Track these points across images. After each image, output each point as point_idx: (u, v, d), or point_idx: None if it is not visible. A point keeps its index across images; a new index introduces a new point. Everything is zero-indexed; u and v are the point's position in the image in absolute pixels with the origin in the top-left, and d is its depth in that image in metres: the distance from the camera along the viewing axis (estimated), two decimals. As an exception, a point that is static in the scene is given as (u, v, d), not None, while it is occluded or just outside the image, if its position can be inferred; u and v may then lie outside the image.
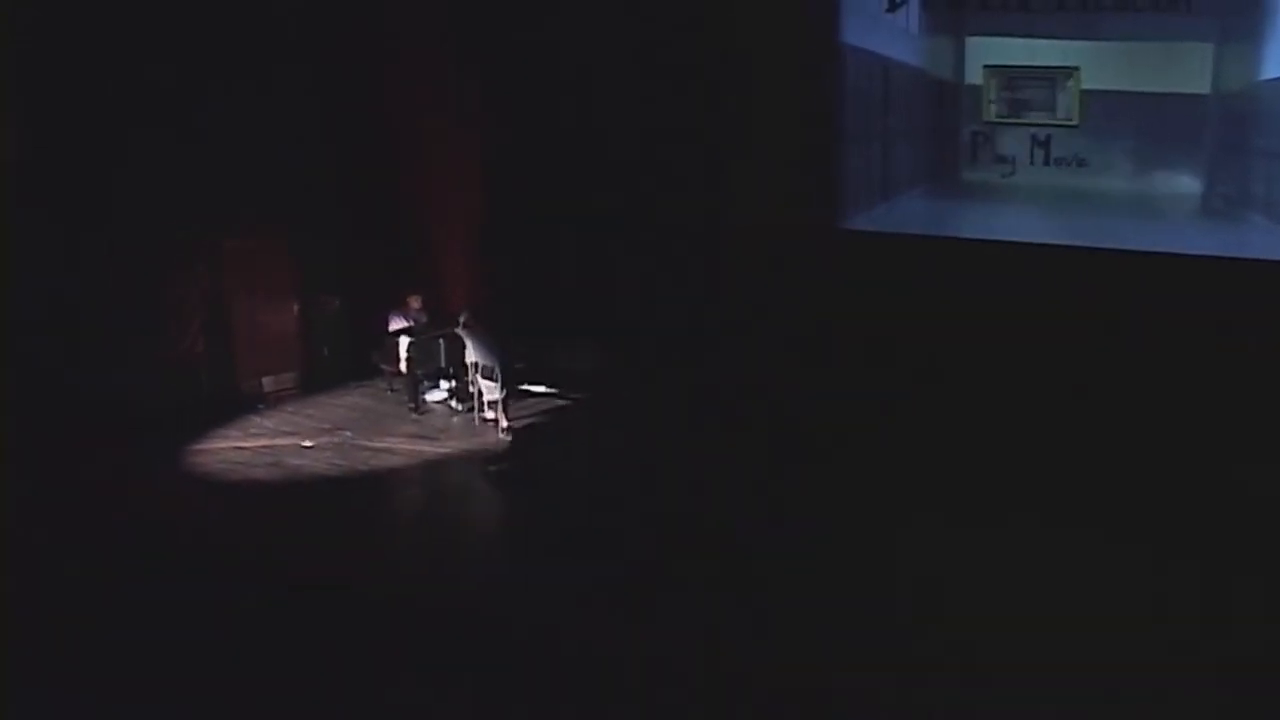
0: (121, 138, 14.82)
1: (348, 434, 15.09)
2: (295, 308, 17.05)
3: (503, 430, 14.99)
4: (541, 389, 16.08)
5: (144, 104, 14.92)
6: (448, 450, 14.55)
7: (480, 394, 15.36)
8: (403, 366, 15.93)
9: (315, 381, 17.08)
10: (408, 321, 16.18)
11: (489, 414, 15.27)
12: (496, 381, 14.97)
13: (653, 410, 15.25)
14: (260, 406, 16.24)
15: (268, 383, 16.61)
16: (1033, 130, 14.28)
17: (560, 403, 16.01)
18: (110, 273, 14.96)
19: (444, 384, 16.25)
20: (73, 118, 14.57)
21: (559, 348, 16.26)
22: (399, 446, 14.63)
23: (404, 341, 15.86)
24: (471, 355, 15.35)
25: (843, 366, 14.61)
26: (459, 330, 15.47)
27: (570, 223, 16.56)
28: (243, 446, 14.68)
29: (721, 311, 15.73)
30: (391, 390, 16.53)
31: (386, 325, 16.22)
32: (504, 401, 15.06)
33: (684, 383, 15.46)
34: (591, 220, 16.39)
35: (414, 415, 15.81)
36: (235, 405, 16.06)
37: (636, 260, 16.19)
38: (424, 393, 16.17)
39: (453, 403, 16.09)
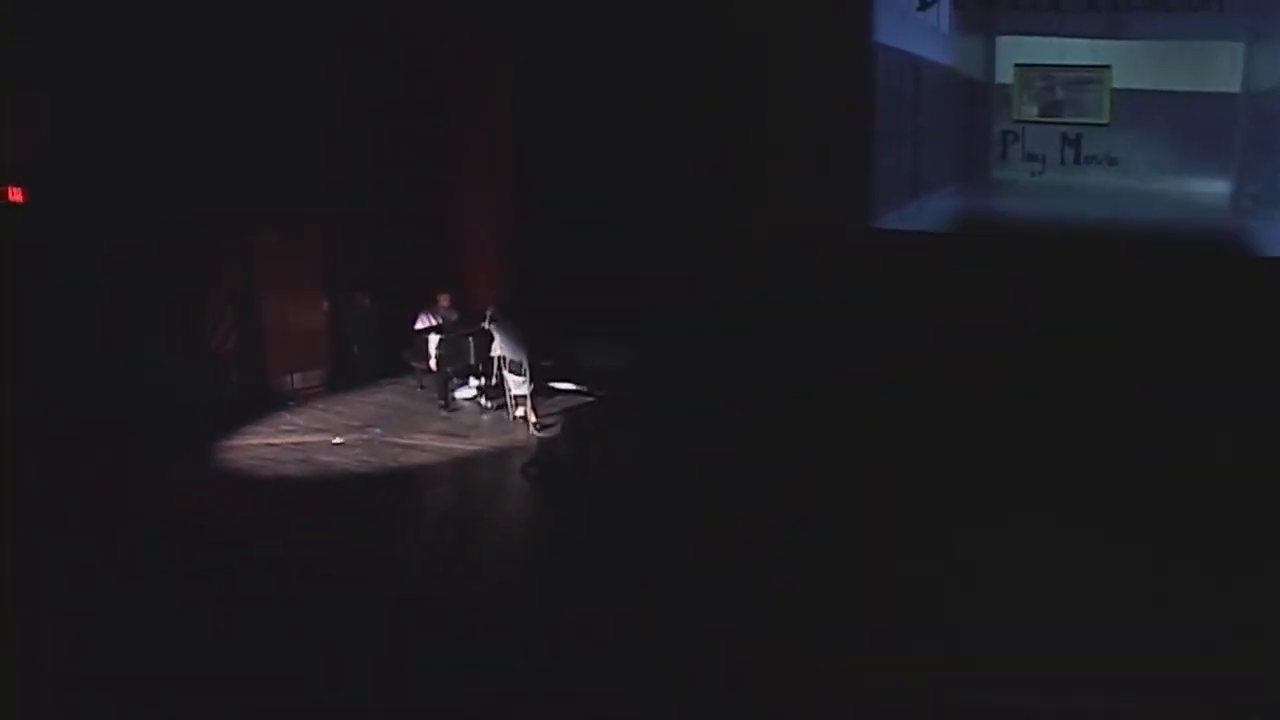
0: (154, 136, 14.84)
1: (378, 431, 15.08)
2: (325, 305, 17.14)
3: (534, 426, 14.96)
4: (570, 386, 16.01)
5: (177, 101, 14.97)
6: (477, 447, 14.54)
7: (508, 389, 15.38)
8: (433, 364, 15.93)
9: (345, 378, 17.16)
10: (436, 319, 16.21)
11: (519, 411, 15.26)
12: (524, 376, 14.96)
13: (679, 410, 15.21)
14: (291, 403, 16.29)
15: (297, 380, 16.70)
16: (1063, 129, 14.29)
17: (588, 401, 15.93)
18: (141, 271, 14.99)
19: (473, 381, 16.25)
20: (103, 115, 14.55)
21: (587, 346, 16.15)
22: (428, 443, 14.63)
23: (434, 339, 15.87)
24: (498, 350, 15.36)
25: (871, 365, 14.59)
26: (485, 325, 15.49)
27: (600, 222, 16.59)
28: (273, 443, 14.70)
29: (751, 311, 15.69)
30: (421, 387, 16.60)
31: (414, 323, 16.27)
32: (533, 398, 15.06)
33: (710, 382, 15.45)
34: (621, 220, 16.46)
35: (443, 412, 15.82)
36: (266, 402, 16.14)
37: (666, 259, 16.28)
38: (454, 390, 16.18)
39: (482, 400, 16.10)
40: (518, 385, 15.14)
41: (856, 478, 12.79)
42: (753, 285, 15.69)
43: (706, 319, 15.93)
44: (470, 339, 15.79)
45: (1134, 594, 9.79)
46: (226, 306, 15.82)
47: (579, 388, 15.96)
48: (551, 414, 15.34)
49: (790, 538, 11.37)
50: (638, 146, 16.22)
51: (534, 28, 16.78)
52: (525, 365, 14.92)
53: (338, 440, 14.77)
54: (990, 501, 11.97)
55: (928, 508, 11.90)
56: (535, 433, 14.89)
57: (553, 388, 15.95)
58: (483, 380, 16.10)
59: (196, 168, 15.12)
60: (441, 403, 15.97)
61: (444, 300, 16.42)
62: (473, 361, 15.92)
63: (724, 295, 15.80)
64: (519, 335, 15.12)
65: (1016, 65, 14.41)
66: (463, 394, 16.35)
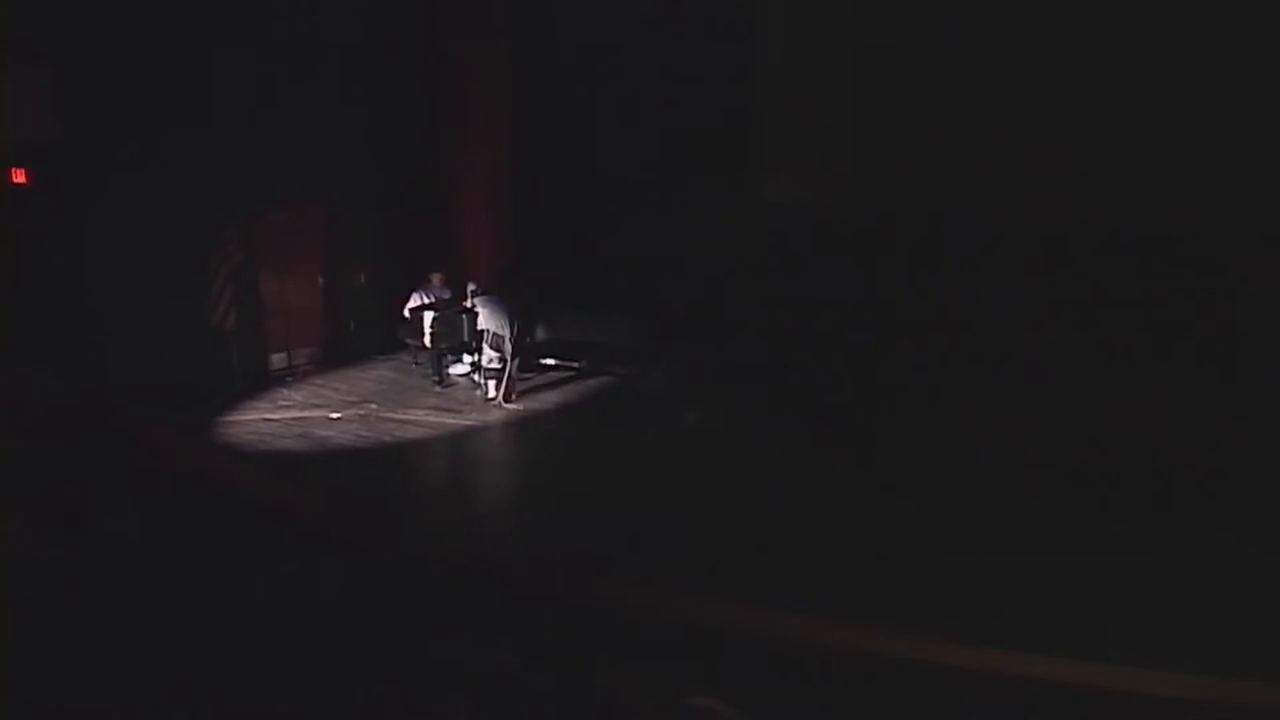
0: (157, 116, 14.90)
1: (374, 406, 15.18)
2: (322, 282, 17.24)
3: (500, 402, 15.07)
4: (562, 362, 16.28)
5: (180, 81, 15.03)
6: (471, 422, 14.60)
7: (480, 363, 15.46)
8: (427, 341, 16.08)
9: (341, 355, 17.26)
10: (427, 297, 16.26)
11: (491, 390, 15.26)
12: (499, 352, 14.99)
13: (673, 384, 15.40)
14: (289, 379, 16.40)
15: (295, 356, 16.80)
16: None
17: (579, 375, 16.29)
18: (144, 250, 14.99)
19: (467, 358, 16.32)
20: (107, 94, 14.61)
21: (581, 321, 16.52)
22: (423, 419, 14.71)
23: (428, 316, 15.92)
24: (483, 324, 15.32)
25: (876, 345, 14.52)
26: (469, 301, 15.49)
27: (598, 200, 16.66)
28: (272, 418, 14.76)
29: (748, 289, 15.76)
30: (416, 364, 16.72)
31: (405, 302, 16.35)
32: (511, 372, 15.17)
33: (707, 358, 15.56)
34: (620, 197, 16.46)
35: (438, 388, 15.99)
36: (265, 378, 16.26)
37: (664, 235, 16.10)
38: (447, 366, 16.31)
39: (475, 376, 16.14)
40: (489, 360, 15.20)
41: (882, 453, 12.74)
42: (751, 263, 15.69)
43: (705, 296, 15.90)
44: (464, 316, 15.86)
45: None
46: (227, 284, 15.77)
47: (569, 363, 16.24)
48: (534, 389, 15.46)
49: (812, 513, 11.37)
50: (637, 122, 16.30)
51: (533, 3, 16.81)
52: (506, 340, 14.94)
53: (335, 416, 14.83)
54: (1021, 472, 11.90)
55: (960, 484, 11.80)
56: (505, 406, 15.03)
57: (546, 363, 16.20)
58: (476, 356, 16.10)
59: (199, 148, 15.17)
60: (436, 379, 16.16)
61: (436, 279, 16.48)
62: (466, 338, 15.95)
63: (725, 272, 15.78)
64: (503, 310, 15.13)
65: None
66: (456, 370, 16.43)
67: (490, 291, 15.49)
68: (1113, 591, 9.51)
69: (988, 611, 9.11)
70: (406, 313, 16.38)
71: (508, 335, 14.95)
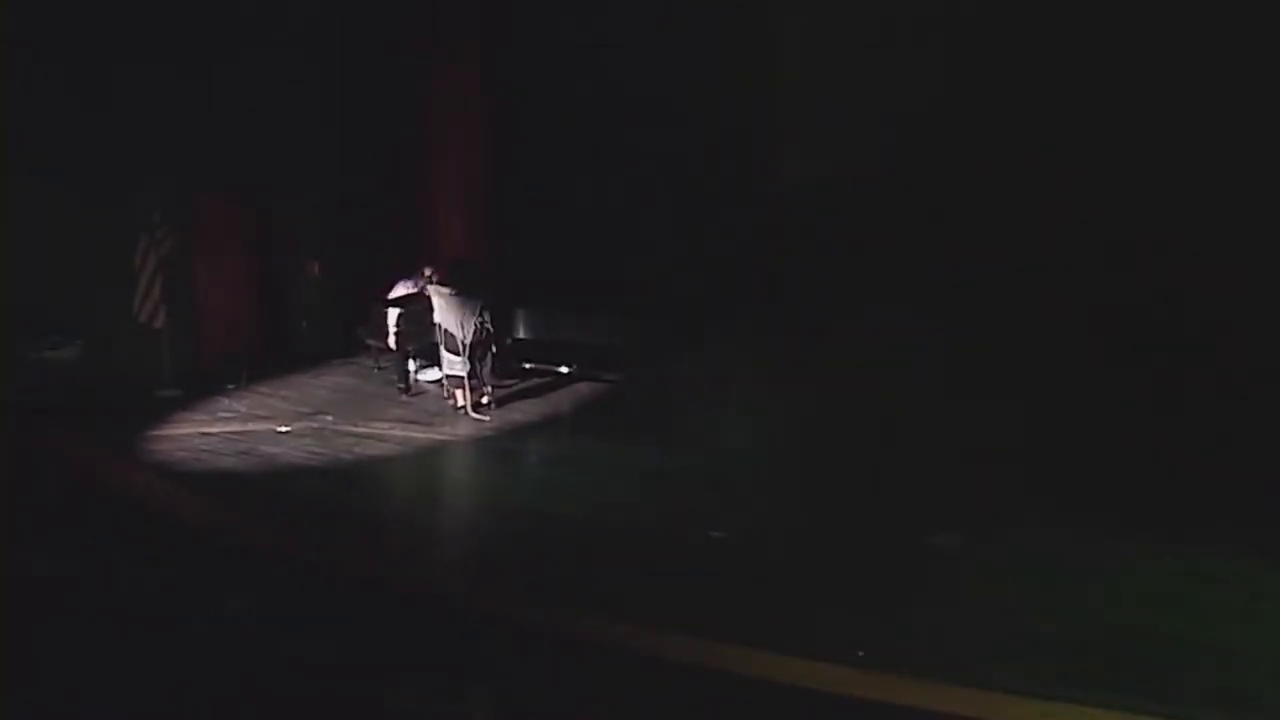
0: (82, 64, 14.24)
1: (329, 418, 14.57)
2: (269, 276, 16.96)
3: (471, 411, 14.45)
4: (549, 366, 15.94)
5: (117, 50, 14.49)
6: (443, 436, 13.99)
7: (443, 368, 14.98)
8: (392, 342, 15.45)
9: (292, 359, 16.74)
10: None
11: (459, 398, 14.65)
12: (457, 354, 14.46)
13: (664, 387, 14.79)
14: (230, 387, 15.71)
15: (237, 359, 16.04)
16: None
17: (570, 380, 15.84)
18: (57, 232, 14.19)
19: None
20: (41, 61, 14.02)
21: (571, 320, 16.03)
22: (387, 432, 14.13)
23: (393, 313, 15.40)
24: (438, 319, 14.78)
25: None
26: (426, 290, 14.98)
27: (582, 188, 15.97)
28: (210, 432, 14.16)
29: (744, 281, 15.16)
30: (379, 368, 16.24)
31: (389, 291, 15.73)
32: (481, 378, 14.63)
33: (700, 357, 14.93)
34: (607, 186, 15.78)
35: (404, 397, 15.35)
36: (201, 385, 15.63)
37: (648, 228, 15.65)
38: (416, 372, 15.66)
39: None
40: (452, 365, 14.64)
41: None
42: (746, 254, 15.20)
43: (698, 289, 15.30)
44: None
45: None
46: (157, 276, 15.11)
47: (560, 367, 15.90)
48: (505, 398, 15.08)
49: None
50: (618, 109, 15.69)
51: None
52: (460, 341, 14.36)
53: (283, 429, 14.23)
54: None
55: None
56: (476, 417, 14.44)
57: (530, 367, 15.95)
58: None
59: (129, 109, 14.66)
60: (402, 386, 15.52)
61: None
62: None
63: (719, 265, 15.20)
64: (456, 305, 14.49)
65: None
66: (427, 376, 15.73)
67: (446, 283, 14.86)
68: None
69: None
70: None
71: (462, 335, 14.40)
